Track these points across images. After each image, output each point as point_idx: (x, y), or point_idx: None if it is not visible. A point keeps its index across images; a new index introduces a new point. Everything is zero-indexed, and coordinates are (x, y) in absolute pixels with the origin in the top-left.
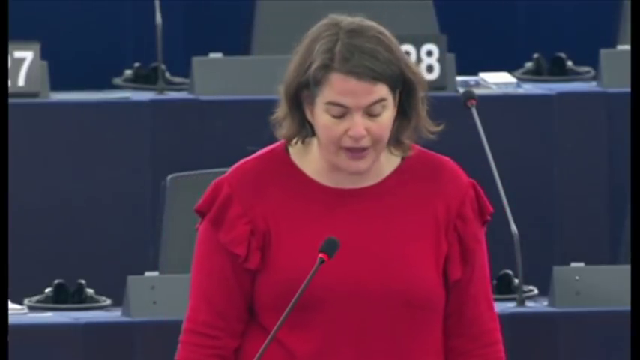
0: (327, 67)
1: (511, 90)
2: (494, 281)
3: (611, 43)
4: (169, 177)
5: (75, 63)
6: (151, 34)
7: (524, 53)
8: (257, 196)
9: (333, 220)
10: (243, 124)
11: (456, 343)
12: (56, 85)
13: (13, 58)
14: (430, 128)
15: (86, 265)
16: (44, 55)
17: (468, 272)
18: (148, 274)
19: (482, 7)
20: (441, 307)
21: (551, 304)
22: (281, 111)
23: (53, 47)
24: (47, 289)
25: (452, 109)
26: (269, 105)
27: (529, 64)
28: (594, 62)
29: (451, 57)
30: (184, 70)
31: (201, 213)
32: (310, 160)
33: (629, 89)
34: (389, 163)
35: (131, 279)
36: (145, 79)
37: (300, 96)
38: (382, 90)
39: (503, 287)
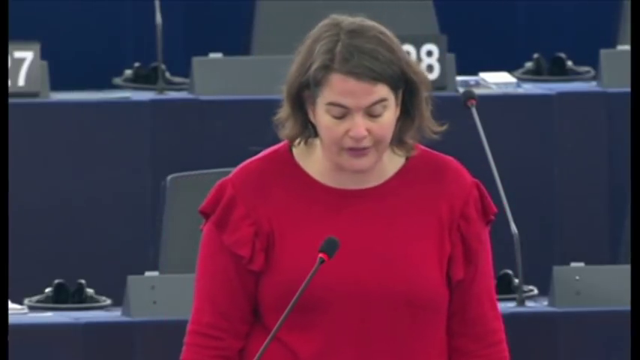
0: (327, 68)
1: (511, 90)
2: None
3: (611, 43)
4: (169, 177)
5: (75, 63)
6: (151, 34)
7: (524, 53)
8: (261, 198)
9: (337, 221)
10: (243, 124)
11: (460, 343)
12: (56, 85)
13: (13, 58)
14: (434, 128)
15: (86, 265)
16: (44, 55)
17: (471, 272)
18: (148, 274)
19: (482, 7)
20: (444, 308)
21: (551, 304)
22: (284, 111)
23: (53, 47)
24: (47, 289)
25: (452, 109)
26: (269, 105)
27: (529, 64)
28: (594, 62)
29: (451, 57)
30: (184, 70)
31: (206, 214)
32: (314, 161)
33: (629, 89)
34: (392, 163)
35: (131, 279)
36: (145, 79)
37: (302, 96)
38: (382, 90)
39: (503, 287)
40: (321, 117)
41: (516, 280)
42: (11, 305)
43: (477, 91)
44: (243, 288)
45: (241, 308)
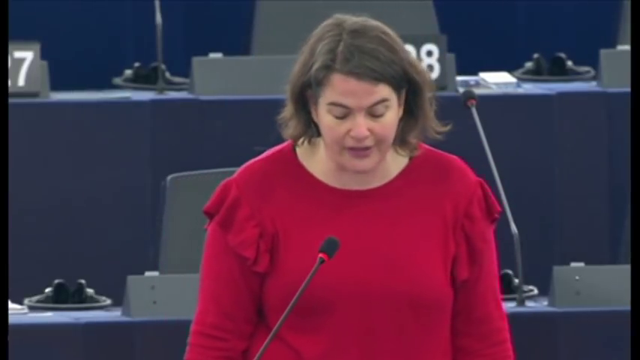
0: (328, 68)
1: (511, 90)
2: None
3: (611, 43)
4: (169, 177)
5: (75, 63)
6: (151, 34)
7: (524, 53)
8: (265, 198)
9: (340, 222)
10: (243, 124)
11: (464, 342)
12: (56, 85)
13: (13, 58)
14: (437, 128)
15: (86, 265)
16: (44, 55)
17: (475, 272)
18: (148, 274)
19: (482, 7)
20: (449, 307)
21: (551, 304)
22: (287, 111)
23: (53, 47)
24: (47, 289)
25: (452, 109)
26: (269, 105)
27: (529, 64)
28: (594, 62)
29: (451, 57)
30: (184, 70)
31: (210, 214)
32: (317, 161)
33: (629, 89)
34: (396, 163)
35: (131, 279)
36: (145, 79)
37: (305, 96)
38: (384, 90)
39: (504, 287)
40: (323, 117)
41: (516, 280)
42: (11, 305)
43: (477, 91)
44: (247, 289)
45: (246, 309)
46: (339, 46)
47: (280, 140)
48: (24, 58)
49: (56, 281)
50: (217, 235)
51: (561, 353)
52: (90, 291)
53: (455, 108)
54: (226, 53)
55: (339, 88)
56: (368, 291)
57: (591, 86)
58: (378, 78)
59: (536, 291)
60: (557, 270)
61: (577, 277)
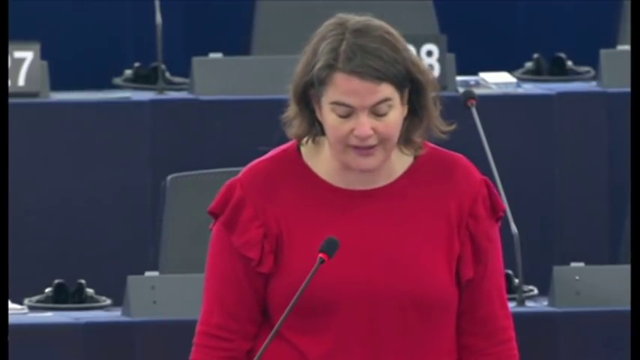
0: (330, 67)
1: (511, 90)
2: None
3: (611, 43)
4: (169, 177)
5: (75, 63)
6: (151, 34)
7: (524, 53)
8: (269, 198)
9: (345, 222)
10: (243, 124)
11: (469, 341)
12: (56, 85)
13: (13, 58)
14: (442, 128)
15: (86, 265)
16: (44, 55)
17: (480, 271)
18: (148, 274)
19: (482, 7)
20: (454, 307)
21: (551, 304)
22: (291, 110)
23: (53, 47)
24: (47, 289)
25: (452, 109)
26: (269, 105)
27: (529, 64)
28: (594, 62)
29: (451, 57)
30: (184, 70)
31: (215, 214)
32: (322, 160)
33: (629, 89)
34: (400, 162)
35: (131, 279)
36: (145, 79)
37: (308, 95)
38: (387, 90)
39: None
40: (327, 116)
41: (516, 280)
42: (11, 305)
43: (477, 91)
44: (252, 289)
45: (250, 309)
46: (342, 45)
47: (284, 140)
48: (24, 58)
49: (56, 281)
50: (222, 236)
51: (561, 353)
52: (90, 291)
53: (455, 108)
54: (226, 53)
55: (342, 87)
56: (372, 291)
57: (591, 86)
58: (380, 77)
59: (536, 291)
60: (557, 270)
61: (577, 277)
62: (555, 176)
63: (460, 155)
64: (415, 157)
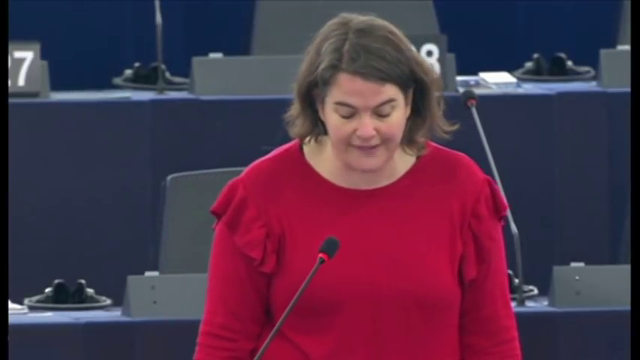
0: (334, 68)
1: (511, 90)
2: None
3: (611, 43)
4: (169, 177)
5: (75, 63)
6: (151, 34)
7: (524, 53)
8: (271, 198)
9: (347, 222)
10: (243, 124)
11: (472, 340)
12: (56, 85)
13: (13, 58)
14: (445, 128)
15: (86, 265)
16: (44, 55)
17: (483, 270)
18: (148, 274)
19: (482, 7)
20: (457, 307)
21: (551, 304)
22: (294, 109)
23: (53, 47)
24: (47, 289)
25: (452, 109)
26: (269, 105)
27: (529, 64)
28: (594, 62)
29: (451, 57)
30: (184, 70)
31: (217, 214)
32: (324, 160)
33: (629, 89)
34: (403, 162)
35: (131, 279)
36: (145, 79)
37: (312, 95)
38: (391, 90)
39: None
40: (330, 116)
41: (516, 280)
42: (11, 305)
43: (477, 91)
44: (254, 289)
45: (253, 309)
46: (345, 45)
47: (286, 139)
48: (24, 58)
49: (56, 281)
50: (224, 236)
51: (561, 353)
52: (90, 291)
53: (455, 108)
54: (226, 53)
55: (346, 87)
56: (375, 291)
57: (591, 86)
58: (384, 78)
59: (536, 291)
60: (557, 270)
61: (577, 277)
62: (555, 176)
63: (463, 155)
64: (418, 157)
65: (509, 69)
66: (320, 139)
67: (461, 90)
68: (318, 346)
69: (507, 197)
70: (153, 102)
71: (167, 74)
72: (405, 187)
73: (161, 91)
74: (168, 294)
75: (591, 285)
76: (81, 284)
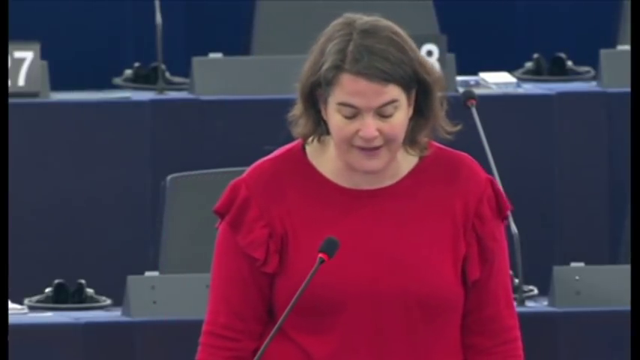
0: (337, 68)
1: (511, 90)
2: None
3: (611, 43)
4: (169, 177)
5: (75, 63)
6: (151, 34)
7: (524, 53)
8: (274, 198)
9: (350, 222)
10: (243, 124)
11: (475, 340)
12: (56, 85)
13: (13, 58)
14: (447, 128)
15: (86, 265)
16: (44, 55)
17: (487, 270)
18: (148, 274)
19: (482, 7)
20: (459, 307)
21: (551, 304)
22: (297, 109)
23: (53, 47)
24: (47, 289)
25: (452, 109)
26: (269, 105)
27: (529, 64)
28: (594, 62)
29: (451, 57)
30: (184, 70)
31: (220, 214)
32: (327, 160)
33: (629, 89)
34: (406, 162)
35: (131, 279)
36: (145, 79)
37: (315, 95)
38: (394, 91)
39: None
40: (332, 116)
41: (516, 280)
42: (11, 305)
43: (477, 91)
44: (257, 289)
45: (256, 308)
46: (349, 45)
47: (289, 139)
48: (24, 58)
49: (56, 281)
50: (227, 236)
51: (561, 353)
52: (90, 291)
53: (455, 108)
54: (226, 53)
55: (349, 88)
56: (378, 291)
57: (591, 86)
58: (387, 79)
59: (536, 291)
60: (557, 270)
61: (577, 277)
62: (555, 176)
63: (465, 155)
64: (420, 157)
65: (509, 69)
66: (323, 139)
67: (461, 90)
68: (320, 345)
69: (507, 197)
70: (153, 102)
71: (167, 74)
72: (407, 188)
73: (161, 91)
74: (168, 294)
75: (591, 285)
76: (81, 284)
